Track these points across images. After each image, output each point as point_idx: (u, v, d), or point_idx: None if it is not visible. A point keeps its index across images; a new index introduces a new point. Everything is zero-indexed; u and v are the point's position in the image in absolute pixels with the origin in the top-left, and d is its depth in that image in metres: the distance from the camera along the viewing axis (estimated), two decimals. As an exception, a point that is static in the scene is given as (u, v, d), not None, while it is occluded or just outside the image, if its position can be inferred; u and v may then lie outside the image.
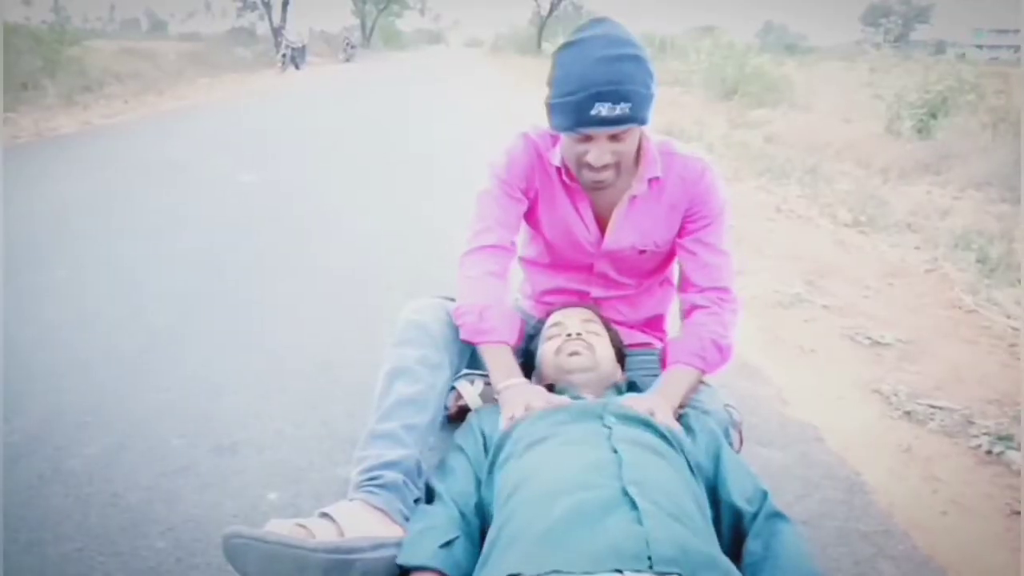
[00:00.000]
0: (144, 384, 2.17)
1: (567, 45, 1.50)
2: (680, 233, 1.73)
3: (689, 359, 1.62)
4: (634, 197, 1.68)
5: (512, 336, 1.64)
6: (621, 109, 1.43)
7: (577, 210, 1.72)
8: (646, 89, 1.47)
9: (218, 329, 2.60)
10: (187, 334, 2.55)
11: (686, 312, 1.74)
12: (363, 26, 40.93)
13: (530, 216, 1.81)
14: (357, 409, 2.05)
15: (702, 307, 1.69)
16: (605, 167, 1.53)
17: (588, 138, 1.51)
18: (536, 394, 1.49)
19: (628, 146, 1.53)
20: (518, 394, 1.50)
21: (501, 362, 1.60)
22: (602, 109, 1.43)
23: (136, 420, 1.96)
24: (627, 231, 1.71)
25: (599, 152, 1.50)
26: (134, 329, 2.57)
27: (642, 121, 1.49)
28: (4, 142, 6.56)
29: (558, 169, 1.69)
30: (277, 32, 23.12)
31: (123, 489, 1.66)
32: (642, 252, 1.74)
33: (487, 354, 1.62)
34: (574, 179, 1.66)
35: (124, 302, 2.83)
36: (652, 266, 1.81)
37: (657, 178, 1.66)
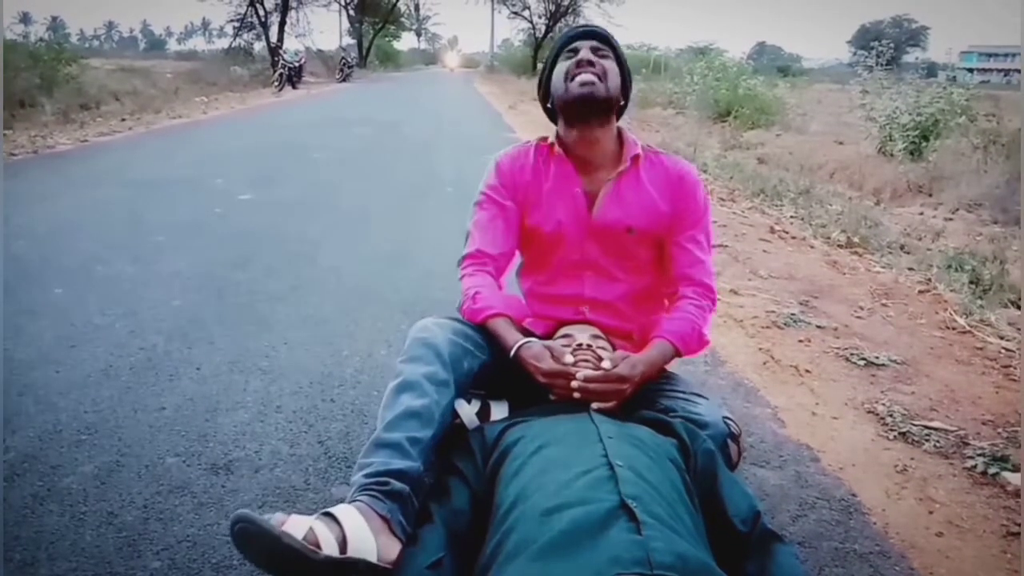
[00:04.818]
0: (140, 403, 2.17)
1: None
2: (672, 232, 1.82)
3: (674, 338, 1.72)
4: (620, 174, 1.80)
5: (507, 309, 1.75)
6: (599, 32, 1.81)
7: (568, 189, 1.82)
8: (618, 49, 1.80)
9: (214, 348, 2.60)
10: (183, 353, 2.55)
11: (675, 299, 1.84)
12: (360, 46, 41.16)
13: (523, 223, 1.88)
14: (353, 429, 2.06)
15: (691, 298, 1.80)
16: (591, 65, 1.72)
17: (576, 52, 1.76)
18: (552, 344, 1.64)
19: (609, 66, 1.75)
20: (536, 346, 1.63)
21: (505, 331, 1.70)
22: (584, 29, 1.81)
23: (132, 439, 1.96)
24: (614, 206, 1.80)
25: (585, 53, 1.74)
26: (130, 348, 2.57)
27: (617, 53, 1.79)
28: (1, 159, 6.57)
29: (550, 147, 1.84)
30: (274, 51, 23.24)
31: (119, 508, 1.66)
32: (629, 231, 1.80)
33: (490, 328, 1.72)
34: (567, 151, 1.82)
35: (120, 321, 2.83)
36: (640, 255, 1.84)
37: (637, 156, 1.82)
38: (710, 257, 1.85)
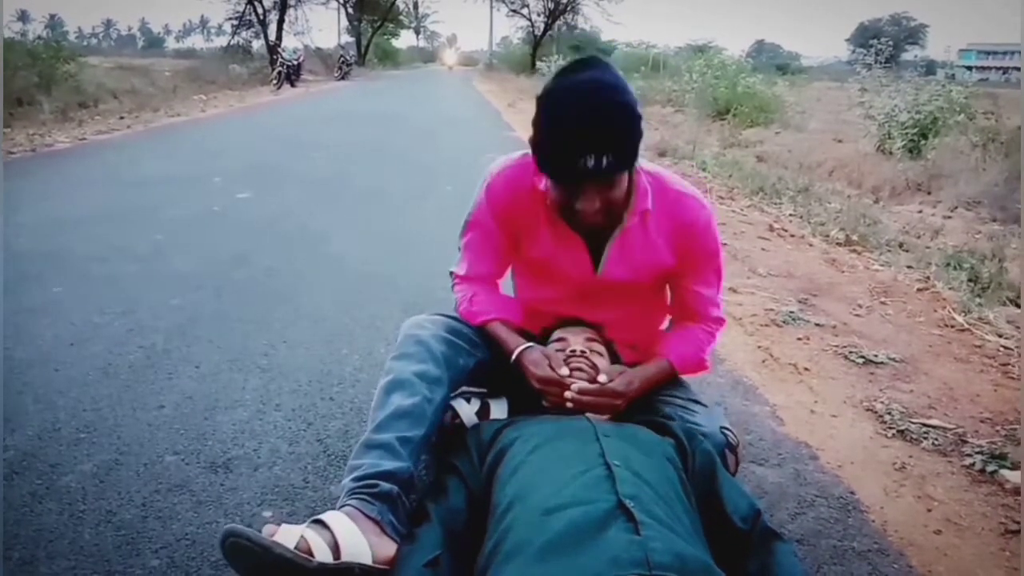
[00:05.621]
0: (139, 401, 2.17)
1: (552, 90, 1.44)
2: (681, 276, 1.75)
3: (676, 359, 1.73)
4: (625, 229, 1.65)
5: (505, 312, 1.76)
6: (607, 160, 1.39)
7: (565, 244, 1.69)
8: (632, 136, 1.43)
9: (213, 346, 2.60)
10: (182, 351, 2.55)
11: (680, 321, 1.85)
12: (358, 44, 41.11)
13: (518, 250, 1.80)
14: (352, 427, 2.06)
15: (700, 324, 1.80)
16: (595, 212, 1.50)
17: (578, 190, 1.48)
18: (551, 353, 1.64)
19: (617, 192, 1.50)
20: (536, 352, 1.64)
21: (504, 334, 1.71)
22: (588, 161, 1.38)
23: (131, 437, 1.96)
24: (620, 264, 1.69)
25: (587, 200, 1.47)
26: (129, 346, 2.56)
27: (629, 167, 1.50)
28: (-1, 157, 6.57)
29: (545, 194, 1.62)
30: (273, 49, 23.21)
31: (117, 507, 1.66)
32: (636, 285, 1.75)
33: (489, 332, 1.73)
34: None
35: (119, 319, 2.82)
36: (646, 292, 1.82)
37: (646, 211, 1.64)
38: (720, 289, 1.79)
